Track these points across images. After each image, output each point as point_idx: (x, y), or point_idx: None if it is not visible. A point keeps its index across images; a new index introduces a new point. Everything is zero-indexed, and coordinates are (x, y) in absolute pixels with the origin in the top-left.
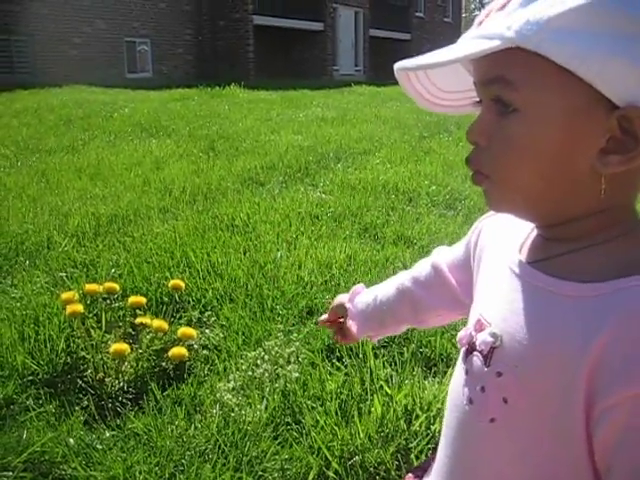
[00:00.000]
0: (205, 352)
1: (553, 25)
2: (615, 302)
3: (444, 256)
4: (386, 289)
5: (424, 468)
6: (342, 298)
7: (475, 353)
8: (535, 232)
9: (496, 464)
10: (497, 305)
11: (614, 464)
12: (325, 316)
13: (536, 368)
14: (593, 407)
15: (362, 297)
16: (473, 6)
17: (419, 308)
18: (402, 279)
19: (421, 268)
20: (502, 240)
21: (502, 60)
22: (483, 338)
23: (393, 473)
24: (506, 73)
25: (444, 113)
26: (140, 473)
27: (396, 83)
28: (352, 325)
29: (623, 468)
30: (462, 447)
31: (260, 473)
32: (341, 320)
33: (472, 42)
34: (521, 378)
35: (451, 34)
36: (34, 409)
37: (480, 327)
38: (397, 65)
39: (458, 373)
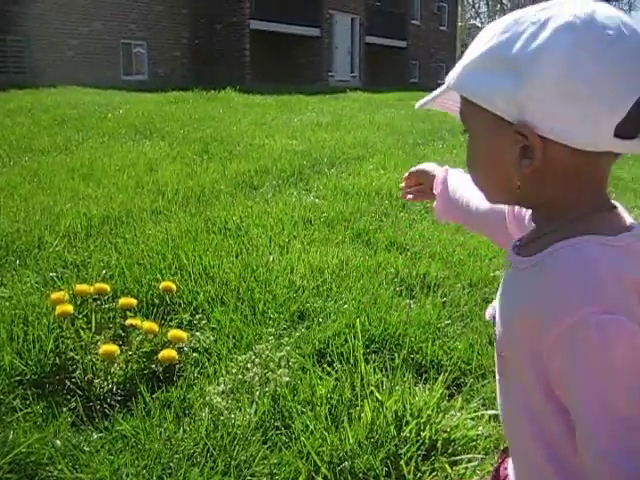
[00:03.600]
0: (195, 355)
1: (466, 70)
2: (542, 264)
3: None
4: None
5: None
6: (429, 167)
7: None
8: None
9: (511, 413)
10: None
11: (571, 393)
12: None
13: (505, 326)
14: (541, 352)
15: (451, 181)
16: (469, 15)
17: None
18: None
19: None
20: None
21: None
22: (489, 310)
23: (382, 479)
24: (462, 109)
25: (439, 121)
26: (127, 476)
27: (391, 90)
28: (439, 202)
29: (579, 394)
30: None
31: (249, 477)
32: (421, 186)
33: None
34: (502, 335)
35: (446, 42)
36: (21, 410)
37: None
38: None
39: None
